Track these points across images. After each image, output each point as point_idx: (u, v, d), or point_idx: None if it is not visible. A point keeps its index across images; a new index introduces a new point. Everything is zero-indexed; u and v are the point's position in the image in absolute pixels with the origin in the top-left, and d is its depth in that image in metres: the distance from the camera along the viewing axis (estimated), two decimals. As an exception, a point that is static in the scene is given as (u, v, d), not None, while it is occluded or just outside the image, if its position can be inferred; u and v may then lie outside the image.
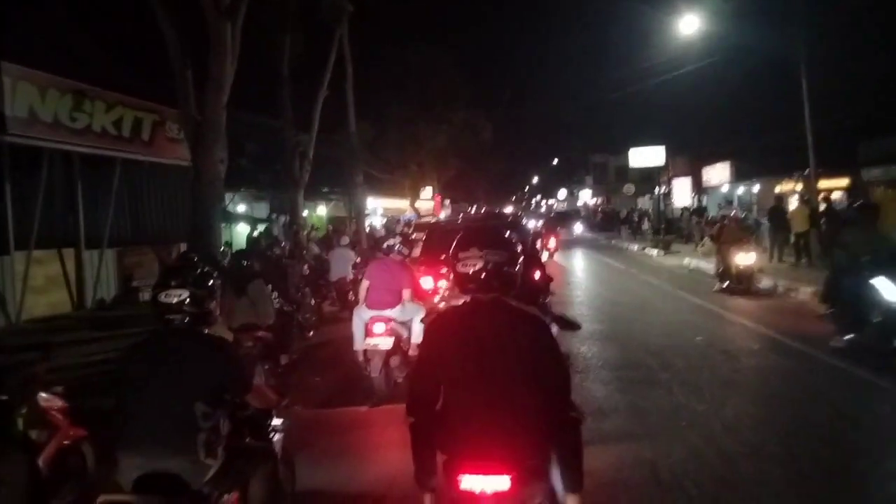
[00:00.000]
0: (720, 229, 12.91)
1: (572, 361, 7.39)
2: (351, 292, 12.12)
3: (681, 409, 5.68)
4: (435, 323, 2.66)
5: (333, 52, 16.30)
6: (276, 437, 3.39)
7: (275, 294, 8.32)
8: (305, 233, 16.87)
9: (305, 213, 24.51)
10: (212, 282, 2.89)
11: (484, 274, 2.39)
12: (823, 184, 20.16)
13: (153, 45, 11.43)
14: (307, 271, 12.32)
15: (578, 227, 41.15)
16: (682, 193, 27.09)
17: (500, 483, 2.24)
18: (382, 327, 6.37)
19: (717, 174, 29.16)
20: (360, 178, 22.13)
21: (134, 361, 2.84)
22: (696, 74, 26.58)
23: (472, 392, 2.34)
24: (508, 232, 2.71)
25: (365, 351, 6.45)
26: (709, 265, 16.68)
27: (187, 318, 2.77)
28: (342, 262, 12.18)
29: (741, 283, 11.63)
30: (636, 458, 4.63)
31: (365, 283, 6.74)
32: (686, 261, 18.42)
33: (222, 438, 2.77)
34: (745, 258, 11.65)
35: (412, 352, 6.47)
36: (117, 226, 14.02)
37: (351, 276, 12.32)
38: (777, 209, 17.98)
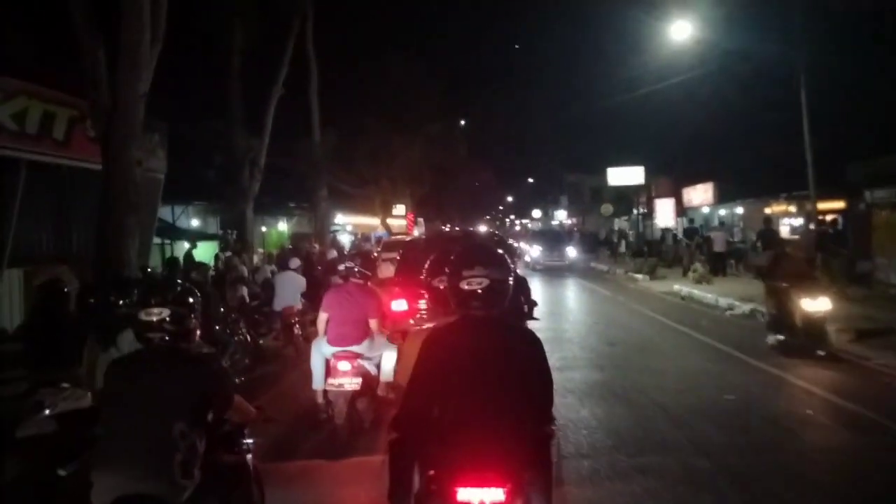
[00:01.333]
0: (776, 259, 8.97)
1: (572, 433, 5.41)
2: (297, 325, 9.99)
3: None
4: (432, 338, 2.53)
5: (290, 43, 14.20)
6: (248, 456, 3.24)
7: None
8: (262, 253, 14.71)
9: (264, 229, 22.31)
10: (192, 299, 2.88)
11: (489, 292, 2.41)
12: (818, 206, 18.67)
13: (69, 21, 9.24)
14: (243, 300, 10.16)
15: (571, 252, 26.53)
16: (664, 215, 25.49)
17: (495, 495, 2.25)
18: (348, 366, 5.37)
19: (699, 195, 27.65)
20: (325, 192, 20.02)
21: (114, 381, 2.77)
22: (678, 90, 25.19)
23: (470, 406, 2.34)
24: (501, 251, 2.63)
25: (326, 392, 5.48)
26: (702, 293, 14.93)
27: (167, 337, 2.71)
28: (290, 289, 10.02)
29: (810, 338, 7.96)
30: None
31: (323, 316, 5.68)
32: (676, 287, 16.61)
33: (199, 458, 2.62)
34: (815, 304, 7.92)
35: (381, 392, 5.59)
36: (26, 241, 11.67)
37: (300, 306, 10.19)
38: (768, 231, 16.52)
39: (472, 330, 2.44)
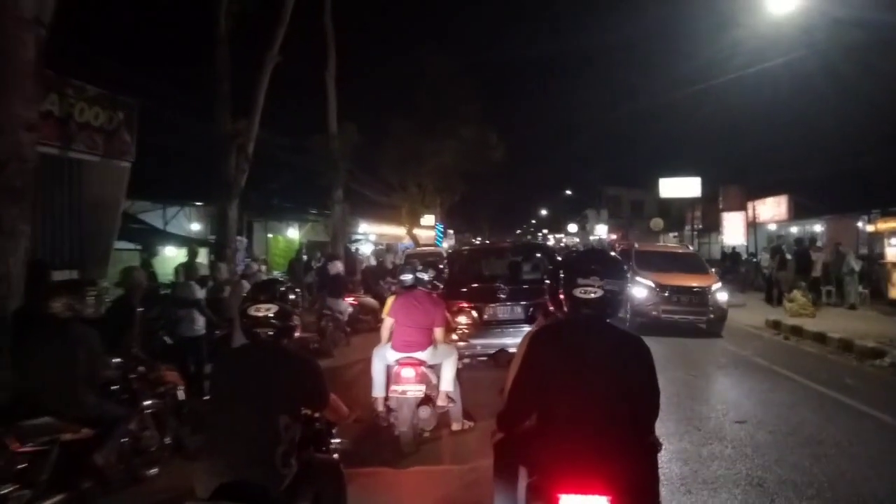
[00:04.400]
0: None
1: None
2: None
3: None
4: (539, 335, 2.52)
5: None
6: (335, 456, 3.20)
7: None
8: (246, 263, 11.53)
9: (270, 235, 19.23)
10: (293, 296, 2.93)
11: (601, 302, 2.36)
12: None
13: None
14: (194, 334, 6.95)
15: (721, 296, 11.82)
16: (733, 230, 21.70)
17: (598, 503, 2.15)
18: (412, 373, 5.27)
19: (769, 210, 23.78)
20: (340, 193, 16.82)
21: (223, 373, 2.87)
22: (747, 84, 21.53)
23: (575, 408, 2.25)
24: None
25: (386, 399, 5.33)
26: (815, 329, 11.24)
27: (272, 332, 2.78)
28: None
29: None
30: None
31: (389, 321, 5.61)
32: (771, 319, 12.97)
33: (295, 449, 2.69)
34: None
35: (441, 401, 5.41)
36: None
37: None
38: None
39: (580, 330, 2.39)
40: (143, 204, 16.38)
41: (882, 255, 17.06)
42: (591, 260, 2.55)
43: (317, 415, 3.00)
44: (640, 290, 11.51)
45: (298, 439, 2.73)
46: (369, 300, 12.23)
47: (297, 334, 2.92)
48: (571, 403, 2.24)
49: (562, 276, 2.47)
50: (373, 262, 14.00)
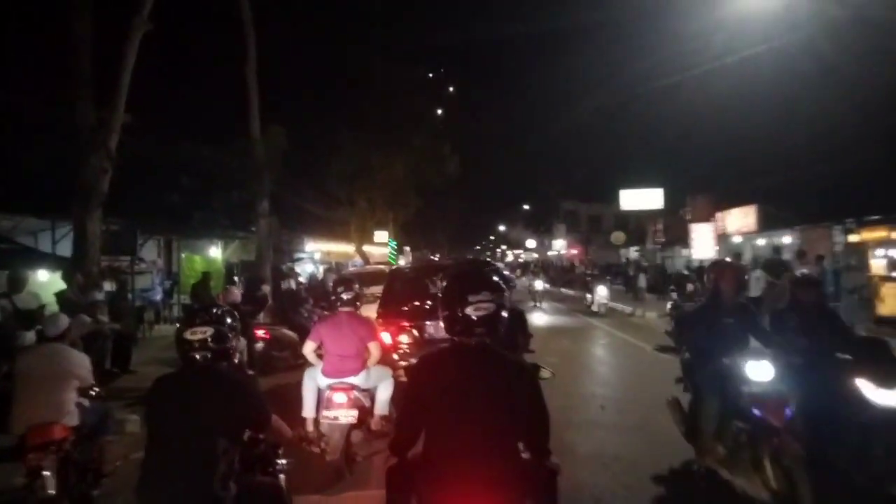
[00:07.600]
0: None
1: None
2: (74, 468, 4.08)
3: None
4: (421, 365, 2.47)
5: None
6: (281, 476, 3.13)
7: None
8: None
9: (183, 255, 16.37)
10: (230, 319, 2.86)
11: (493, 319, 2.30)
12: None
13: None
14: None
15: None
16: (702, 243, 19.88)
17: None
18: (344, 398, 4.88)
19: (736, 221, 22.10)
20: (265, 206, 14.19)
21: (159, 397, 2.75)
22: (705, 87, 19.92)
23: (456, 438, 2.22)
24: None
25: (317, 423, 4.90)
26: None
27: (210, 355, 2.72)
28: (46, 385, 4.14)
29: None
30: None
31: (311, 345, 5.18)
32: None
33: (235, 471, 2.65)
34: None
35: (375, 425, 5.15)
36: None
37: (75, 421, 4.30)
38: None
39: (459, 358, 2.33)
40: (31, 222, 13.51)
41: (866, 268, 15.37)
42: (478, 273, 2.41)
43: (261, 436, 2.91)
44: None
45: (239, 461, 2.68)
46: (286, 332, 9.68)
47: (236, 355, 2.84)
48: (454, 433, 2.20)
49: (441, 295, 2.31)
50: (293, 284, 11.33)
